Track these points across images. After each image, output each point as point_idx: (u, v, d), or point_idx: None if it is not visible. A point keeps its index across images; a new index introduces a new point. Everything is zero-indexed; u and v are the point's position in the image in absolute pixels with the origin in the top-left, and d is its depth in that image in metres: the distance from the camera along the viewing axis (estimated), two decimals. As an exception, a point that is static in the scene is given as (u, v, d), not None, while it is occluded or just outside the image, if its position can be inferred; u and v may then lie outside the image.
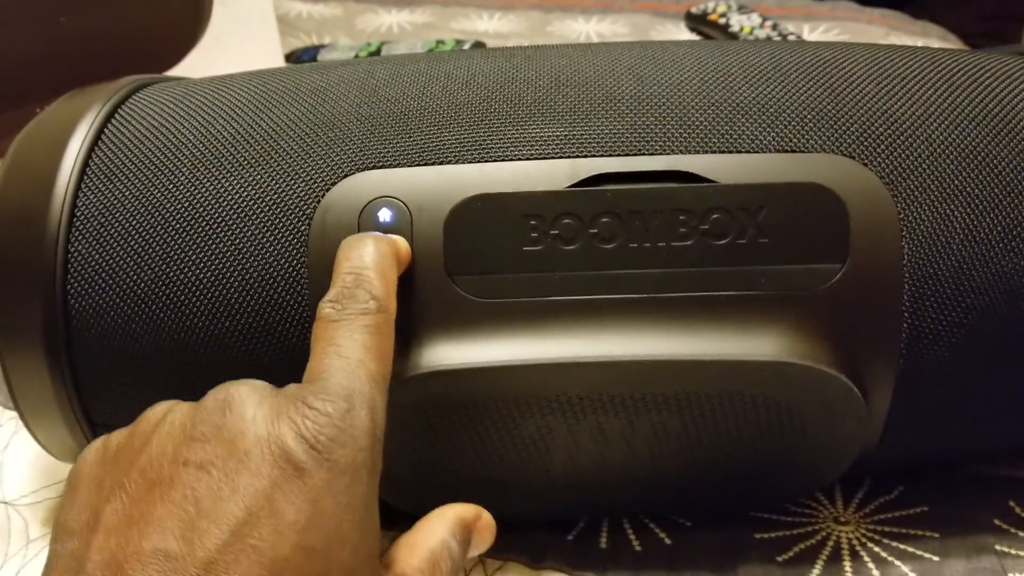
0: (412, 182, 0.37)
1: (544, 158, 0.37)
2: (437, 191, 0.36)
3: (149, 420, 0.31)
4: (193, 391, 0.38)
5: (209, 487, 0.27)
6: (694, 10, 1.06)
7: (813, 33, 1.03)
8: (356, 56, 0.86)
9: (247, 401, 0.29)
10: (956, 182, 0.37)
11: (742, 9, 1.03)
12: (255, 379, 0.31)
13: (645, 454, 0.39)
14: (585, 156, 0.37)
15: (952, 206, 0.36)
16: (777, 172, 0.36)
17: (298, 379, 0.36)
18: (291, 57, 0.97)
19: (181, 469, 0.28)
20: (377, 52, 0.94)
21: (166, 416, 0.30)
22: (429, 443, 0.38)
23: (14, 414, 0.51)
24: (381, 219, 0.36)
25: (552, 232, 0.36)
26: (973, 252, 0.36)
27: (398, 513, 0.42)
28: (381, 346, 0.32)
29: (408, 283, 0.36)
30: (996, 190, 0.37)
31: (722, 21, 1.01)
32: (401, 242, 0.36)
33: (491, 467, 0.40)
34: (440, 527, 0.33)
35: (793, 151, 0.37)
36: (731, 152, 0.37)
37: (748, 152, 0.37)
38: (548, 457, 0.39)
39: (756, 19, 1.00)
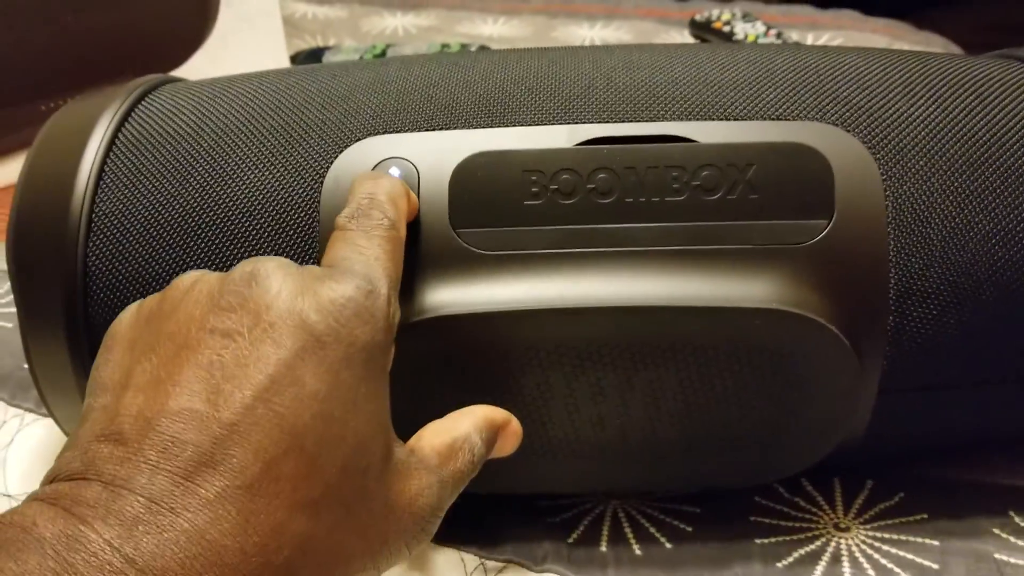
0: (420, 144, 0.39)
1: (546, 123, 0.39)
2: (443, 151, 0.39)
3: (178, 287, 0.31)
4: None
5: (234, 354, 0.28)
6: (698, 17, 1.07)
7: (817, 42, 1.04)
8: (361, 58, 0.87)
9: (273, 275, 0.30)
10: (934, 145, 0.39)
11: (746, 17, 1.04)
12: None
13: (642, 415, 0.39)
14: (583, 122, 0.39)
15: (932, 169, 0.38)
16: (765, 136, 0.38)
17: None
18: (296, 59, 0.97)
19: (207, 335, 0.29)
20: (382, 54, 0.95)
21: (195, 284, 0.31)
22: (430, 394, 0.38)
23: (18, 411, 0.51)
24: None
25: (552, 187, 0.38)
26: (954, 211, 0.38)
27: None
28: (394, 254, 0.33)
29: (415, 236, 0.37)
30: (971, 152, 0.39)
31: (726, 29, 1.02)
32: (410, 191, 0.37)
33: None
34: (468, 422, 0.35)
35: (777, 118, 0.39)
36: (719, 119, 0.39)
37: (737, 120, 0.39)
38: (547, 416, 0.39)
39: (760, 27, 1.00)
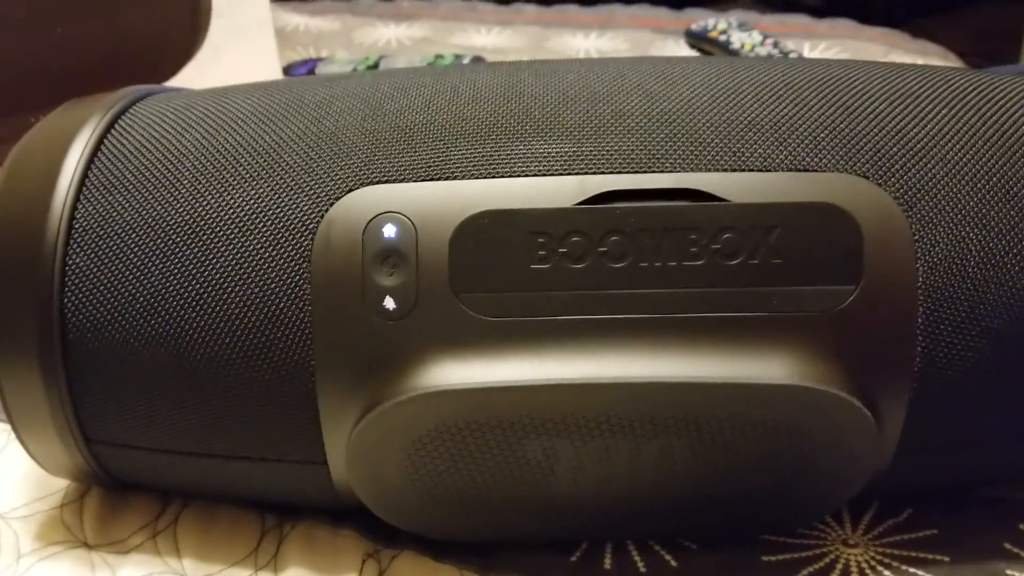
0: (417, 197, 0.36)
1: (552, 174, 0.36)
2: (443, 207, 0.36)
3: None
4: (192, 409, 0.38)
5: None
6: (694, 27, 1.06)
7: (814, 51, 1.03)
8: (355, 70, 0.85)
9: None
10: (971, 204, 0.36)
11: (742, 26, 1.03)
12: None
13: (651, 477, 0.38)
14: (594, 173, 0.36)
15: (967, 228, 0.36)
16: (790, 191, 0.36)
17: (296, 398, 0.36)
18: (288, 70, 0.97)
19: None
20: (375, 66, 0.93)
21: None
22: (431, 463, 0.37)
23: (5, 426, 0.50)
24: (386, 235, 0.36)
25: (560, 250, 0.35)
26: (988, 275, 0.36)
27: (401, 532, 0.41)
28: None
29: (412, 300, 0.35)
30: (1011, 212, 0.36)
31: (722, 39, 1.01)
32: None
33: (494, 488, 0.39)
34: None
35: (806, 170, 0.36)
36: (742, 170, 0.36)
37: (760, 171, 0.36)
38: (553, 479, 0.38)
39: (757, 37, 0.99)
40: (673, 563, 0.42)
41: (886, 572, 0.41)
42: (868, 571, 0.42)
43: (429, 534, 0.42)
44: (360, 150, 0.37)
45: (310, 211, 0.36)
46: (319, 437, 0.37)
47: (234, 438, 0.39)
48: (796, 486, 0.39)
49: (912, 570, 0.41)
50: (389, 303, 0.35)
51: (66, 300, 0.38)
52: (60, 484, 0.47)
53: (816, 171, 0.36)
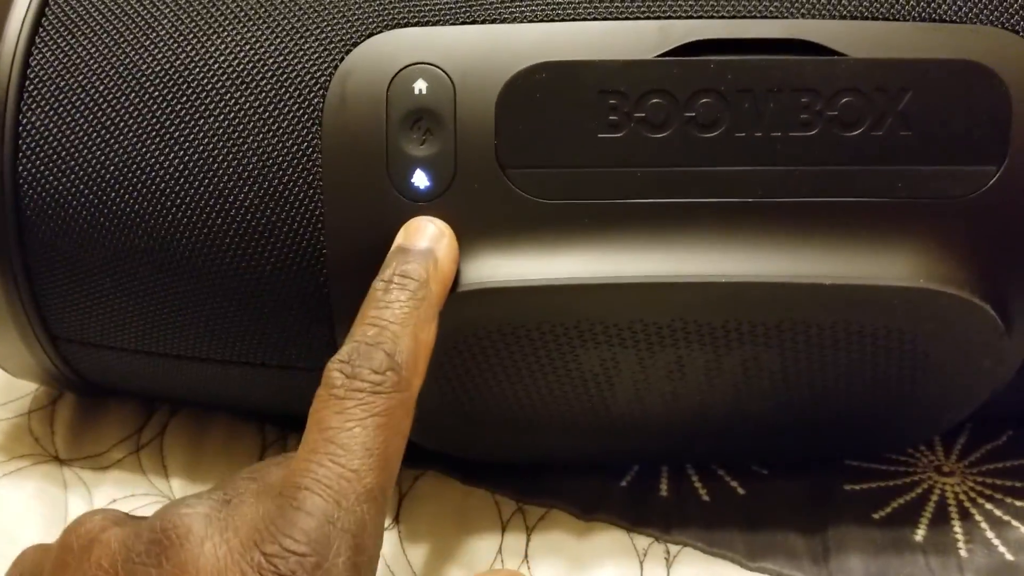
0: (456, 45, 0.29)
1: (627, 18, 0.29)
2: (489, 57, 0.28)
3: (72, 545, 0.24)
4: (176, 304, 0.31)
5: None
6: None
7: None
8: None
9: (196, 534, 0.22)
10: None
11: None
12: (214, 496, 0.24)
13: (729, 393, 0.32)
14: (679, 17, 0.29)
15: None
16: (922, 46, 0.29)
17: (303, 293, 0.29)
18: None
19: None
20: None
21: (91, 546, 0.23)
22: (469, 374, 0.31)
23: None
24: (416, 91, 0.28)
25: (637, 115, 0.28)
26: None
27: (424, 449, 0.35)
28: (387, 445, 0.24)
29: (449, 175, 0.28)
30: None
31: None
32: (450, 255, 0.28)
33: (540, 404, 0.33)
34: None
35: (942, 20, 0.29)
36: (864, 18, 0.29)
37: (885, 19, 0.29)
38: (610, 394, 0.32)
39: None
40: (741, 491, 0.36)
41: (988, 505, 0.36)
42: (968, 504, 0.36)
43: (460, 453, 0.36)
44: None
45: (321, 60, 0.29)
46: (331, 340, 0.31)
47: (228, 340, 0.32)
48: (903, 406, 0.33)
49: (1021, 503, 0.36)
50: (420, 178, 0.28)
51: (20, 168, 0.31)
52: (28, 387, 0.40)
53: (954, 22, 0.29)
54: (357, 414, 0.24)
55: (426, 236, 0.28)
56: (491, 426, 0.34)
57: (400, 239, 0.28)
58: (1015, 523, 0.35)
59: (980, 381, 0.32)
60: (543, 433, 0.34)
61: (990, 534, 0.35)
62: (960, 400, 0.33)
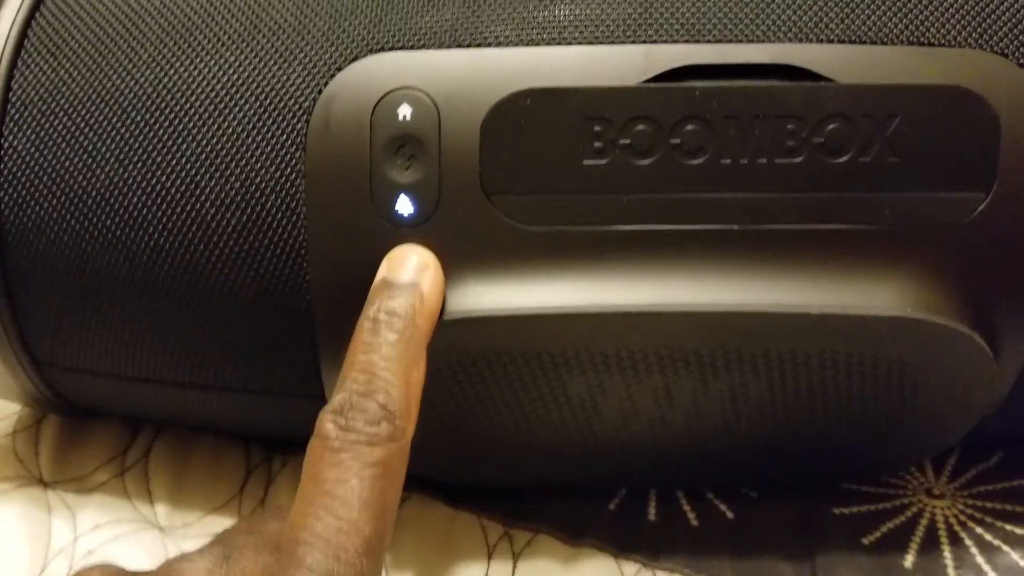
0: (441, 70, 0.28)
1: (612, 43, 0.29)
2: (473, 82, 0.28)
3: None
4: (159, 330, 0.31)
5: None
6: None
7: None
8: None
9: None
10: None
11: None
12: (214, 552, 0.24)
13: (717, 419, 0.32)
14: (664, 42, 0.29)
15: None
16: (910, 70, 0.28)
17: (287, 319, 0.29)
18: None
19: None
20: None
21: None
22: (455, 401, 0.31)
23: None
24: (401, 117, 0.28)
25: (622, 141, 0.28)
26: None
27: (411, 475, 0.34)
28: (385, 496, 0.24)
29: (433, 201, 0.28)
30: None
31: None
32: (435, 287, 0.28)
33: (528, 429, 0.32)
34: None
35: (929, 44, 0.29)
36: (851, 42, 0.29)
37: (873, 43, 0.29)
38: (597, 419, 0.32)
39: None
40: (729, 514, 0.36)
41: (979, 530, 0.35)
42: (958, 528, 0.35)
43: (447, 478, 0.35)
44: (368, 7, 0.30)
45: (304, 85, 0.29)
46: (316, 367, 0.31)
47: (211, 366, 0.32)
48: (891, 431, 0.33)
49: (1010, 528, 0.35)
50: (404, 204, 0.28)
51: (1, 192, 0.30)
52: (12, 407, 0.40)
53: (943, 46, 0.29)
54: (353, 467, 0.24)
55: (410, 268, 0.27)
56: (478, 451, 0.34)
57: (384, 271, 0.27)
58: (1005, 548, 0.35)
59: (970, 407, 0.32)
60: (530, 457, 0.34)
61: (980, 559, 0.34)
62: (950, 426, 0.33)
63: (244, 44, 0.29)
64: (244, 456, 0.38)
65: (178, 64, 0.29)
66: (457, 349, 0.29)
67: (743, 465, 0.35)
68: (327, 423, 0.24)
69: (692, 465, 0.35)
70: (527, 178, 0.28)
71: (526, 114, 0.28)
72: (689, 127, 0.28)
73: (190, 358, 0.32)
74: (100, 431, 0.39)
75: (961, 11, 0.29)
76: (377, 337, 0.26)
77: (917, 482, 0.37)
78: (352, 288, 0.28)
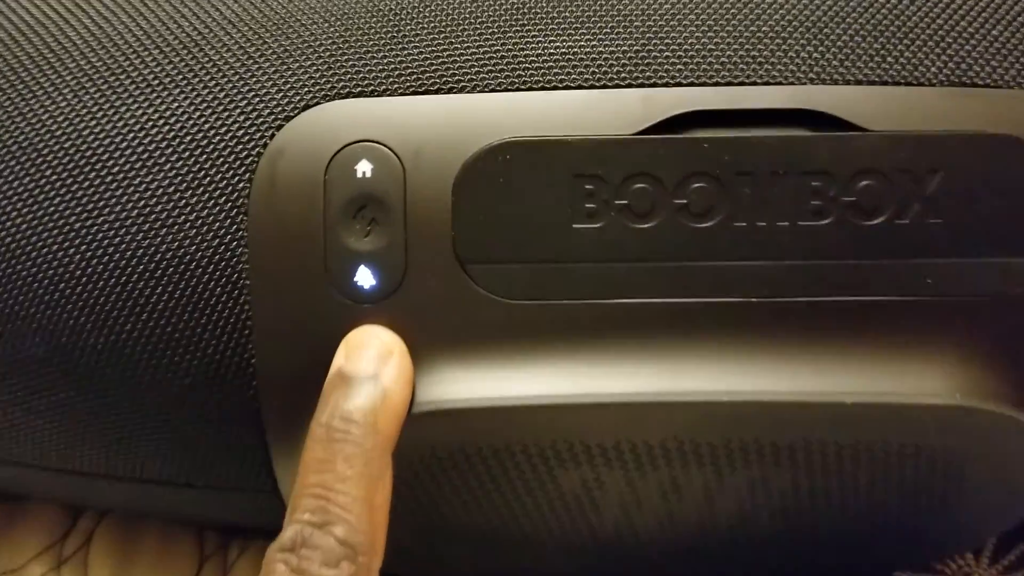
0: (406, 119, 0.24)
1: (605, 86, 0.24)
2: (444, 134, 0.24)
3: None
4: (86, 419, 0.27)
5: None
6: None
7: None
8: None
9: None
10: None
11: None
12: None
13: (734, 514, 0.28)
14: (666, 84, 0.24)
15: None
16: (952, 117, 0.24)
17: (231, 409, 0.25)
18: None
19: None
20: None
21: None
22: (428, 496, 0.27)
23: None
24: (360, 174, 0.24)
25: (618, 202, 0.24)
26: None
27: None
28: None
29: (399, 273, 0.24)
30: None
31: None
32: (401, 378, 0.23)
33: (515, 525, 0.28)
34: None
35: (973, 84, 0.25)
36: (884, 83, 0.25)
37: (909, 85, 0.25)
38: (596, 516, 0.28)
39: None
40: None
41: (1026, 622, 0.31)
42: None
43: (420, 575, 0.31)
44: (321, 45, 0.25)
45: (246, 137, 0.25)
46: (266, 459, 0.26)
47: (146, 459, 0.28)
48: (932, 521, 0.29)
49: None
50: (364, 276, 0.24)
51: None
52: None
53: (988, 86, 0.25)
54: None
55: (371, 356, 0.23)
56: (458, 547, 0.29)
57: (340, 360, 0.23)
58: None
59: (1019, 495, 0.28)
60: (519, 553, 0.30)
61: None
62: (998, 515, 0.29)
63: (177, 90, 0.25)
64: (197, 544, 0.34)
65: (99, 113, 0.25)
66: (430, 445, 0.25)
67: (763, 560, 0.31)
68: (277, 564, 0.20)
69: (705, 562, 0.31)
70: (508, 244, 0.24)
71: (506, 171, 0.24)
72: (696, 185, 0.24)
73: (122, 451, 0.27)
74: (35, 515, 0.35)
75: (1008, 46, 0.25)
76: (332, 452, 0.21)
77: (956, 566, 0.33)
78: (304, 373, 0.24)
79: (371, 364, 0.23)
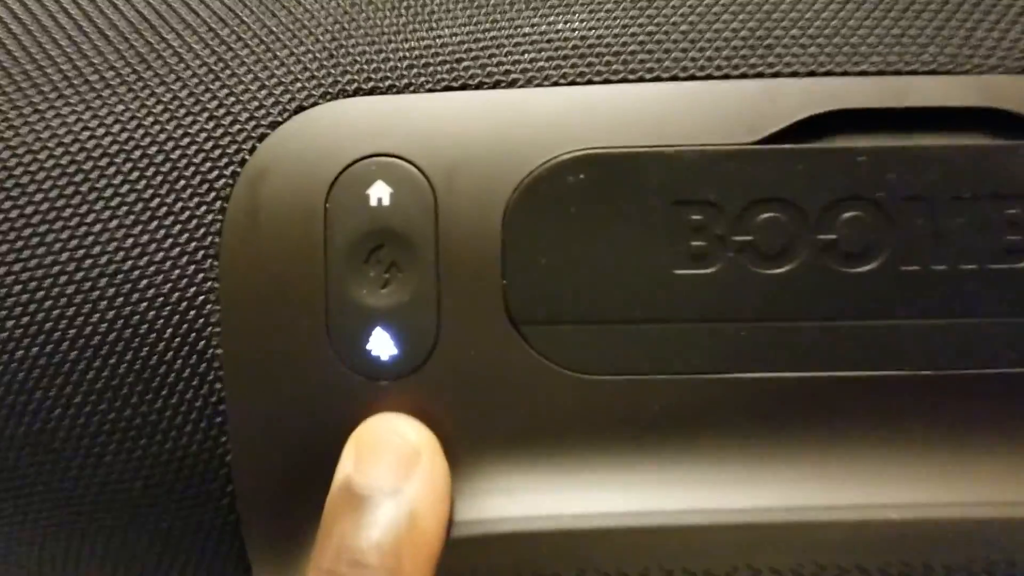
0: (437, 124, 0.18)
1: (712, 76, 0.18)
2: (491, 145, 0.17)
3: None
4: (28, 532, 0.20)
5: None
6: None
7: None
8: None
9: None
10: None
11: None
12: None
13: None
14: (798, 72, 0.18)
15: None
16: None
17: (200, 523, 0.19)
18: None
19: None
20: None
21: None
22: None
23: None
24: (374, 201, 0.17)
25: (738, 238, 0.17)
26: None
27: None
28: None
29: (431, 337, 0.17)
30: None
31: None
32: (434, 492, 0.17)
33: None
34: None
35: None
36: None
37: None
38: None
39: None
40: None
41: None
42: None
43: None
44: (320, 23, 0.19)
45: (216, 151, 0.18)
46: (248, 584, 0.20)
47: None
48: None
49: None
50: (381, 343, 0.17)
51: None
52: None
53: None
54: None
55: (390, 462, 0.16)
56: None
57: (347, 467, 0.17)
58: None
59: None
60: None
61: None
62: None
63: (125, 90, 0.19)
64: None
65: (20, 123, 0.19)
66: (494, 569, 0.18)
67: None
68: None
69: None
70: (580, 299, 0.17)
71: (579, 195, 0.17)
72: (848, 215, 0.17)
73: (78, 567, 0.21)
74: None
75: None
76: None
77: None
78: (297, 481, 0.18)
79: (391, 474, 0.16)
